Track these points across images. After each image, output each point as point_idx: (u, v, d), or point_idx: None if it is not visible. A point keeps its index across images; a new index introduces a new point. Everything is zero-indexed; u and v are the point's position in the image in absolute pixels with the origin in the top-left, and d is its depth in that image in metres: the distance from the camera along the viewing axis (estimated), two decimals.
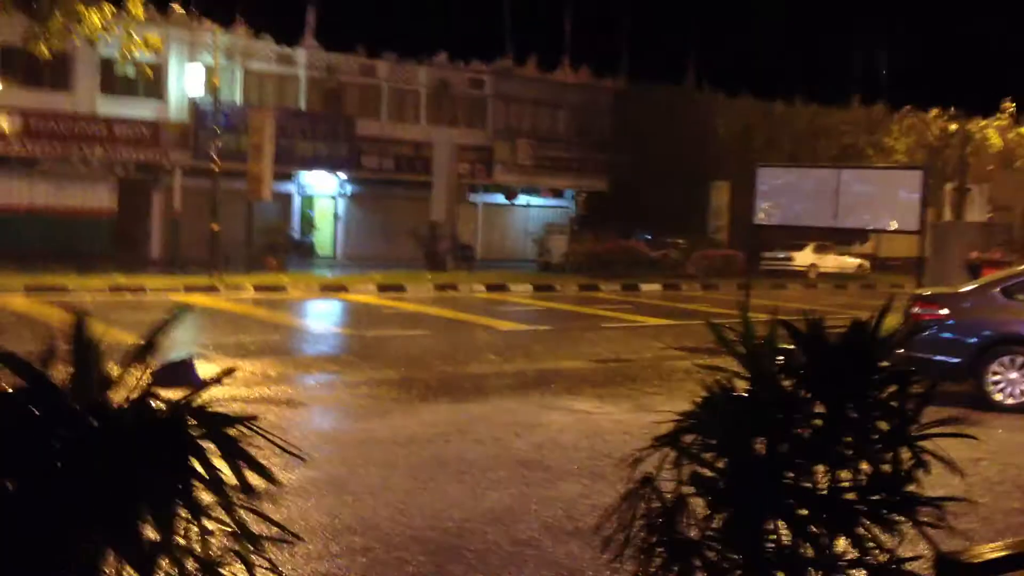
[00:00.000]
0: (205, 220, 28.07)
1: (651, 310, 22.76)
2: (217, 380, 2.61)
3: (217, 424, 2.40)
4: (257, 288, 23.84)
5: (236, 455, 2.40)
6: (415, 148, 37.49)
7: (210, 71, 29.02)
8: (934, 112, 25.00)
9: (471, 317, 19.93)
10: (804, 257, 36.87)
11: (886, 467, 3.26)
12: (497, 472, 7.87)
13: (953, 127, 28.88)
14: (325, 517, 6.53)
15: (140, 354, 2.49)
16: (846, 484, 3.28)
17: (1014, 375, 10.93)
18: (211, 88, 28.47)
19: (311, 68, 36.15)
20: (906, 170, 17.21)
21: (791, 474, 3.27)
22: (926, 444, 3.29)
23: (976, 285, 12.36)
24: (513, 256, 40.65)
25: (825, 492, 3.28)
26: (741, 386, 3.49)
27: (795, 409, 3.35)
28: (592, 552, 6.10)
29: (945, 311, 11.32)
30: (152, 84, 30.20)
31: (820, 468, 3.32)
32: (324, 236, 38.24)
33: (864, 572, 3.18)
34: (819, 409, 3.37)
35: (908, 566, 3.17)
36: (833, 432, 3.31)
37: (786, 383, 3.41)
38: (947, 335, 10.96)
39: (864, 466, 3.30)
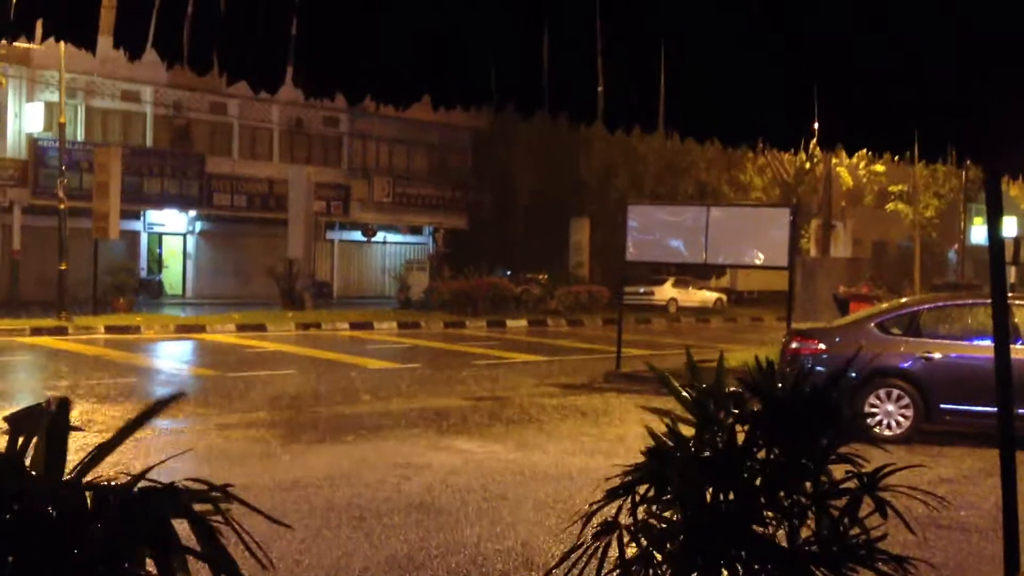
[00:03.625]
0: (45, 260, 26.57)
1: (520, 346, 22.72)
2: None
3: (188, 501, 2.14)
4: (109, 329, 22.72)
5: (210, 541, 2.15)
6: (269, 185, 36.77)
7: (52, 108, 27.86)
8: (786, 155, 26.07)
9: (338, 356, 19.45)
10: (664, 291, 37.46)
11: (844, 518, 3.18)
12: (392, 517, 7.57)
13: (808, 165, 30.14)
14: None
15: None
16: (805, 534, 3.19)
17: (891, 407, 11.21)
18: (56, 125, 27.17)
19: (158, 105, 35.13)
20: (775, 207, 17.70)
21: (746, 525, 3.16)
22: (884, 495, 3.23)
23: (852, 319, 12.67)
24: (371, 293, 40.18)
25: (783, 543, 3.18)
26: (687, 432, 3.37)
27: (748, 457, 3.25)
28: None
29: (823, 345, 11.54)
30: None
31: (777, 518, 3.22)
32: (174, 275, 37.01)
33: None
34: (772, 457, 3.27)
35: None
36: (788, 481, 3.22)
37: (738, 429, 3.31)
38: (824, 369, 11.08)
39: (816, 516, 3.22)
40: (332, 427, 11.61)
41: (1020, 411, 3.46)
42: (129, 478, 2.37)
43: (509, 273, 36.42)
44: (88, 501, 2.16)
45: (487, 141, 40.83)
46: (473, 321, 28.79)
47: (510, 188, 40.40)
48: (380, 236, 41.50)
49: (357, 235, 41.06)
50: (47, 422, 2.16)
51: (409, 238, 42.41)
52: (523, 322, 29.71)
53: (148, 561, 2.24)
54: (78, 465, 2.24)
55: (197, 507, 2.40)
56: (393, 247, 42.01)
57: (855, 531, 3.15)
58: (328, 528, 7.23)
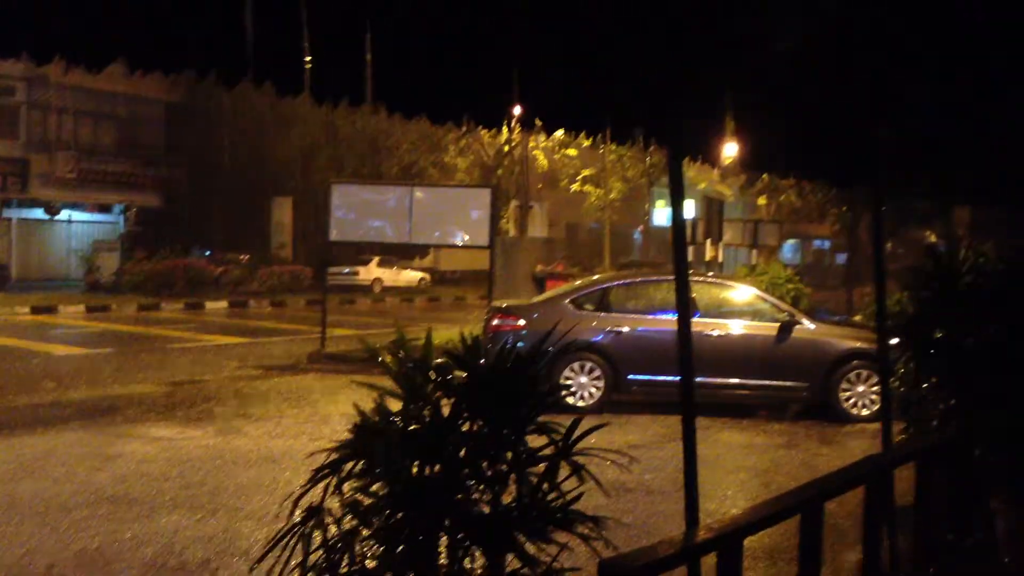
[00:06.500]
0: None
1: (220, 328, 21.97)
2: None
3: None
4: None
5: None
6: None
7: None
8: (486, 133, 26.78)
9: (18, 342, 18.02)
10: (369, 272, 37.36)
11: (544, 484, 3.30)
12: (81, 511, 7.13)
13: (507, 148, 31.12)
14: None
15: None
16: (508, 501, 3.28)
17: (584, 379, 11.82)
18: None
19: None
20: (476, 188, 18.10)
21: (451, 495, 3.22)
22: (580, 459, 3.38)
23: (549, 296, 13.21)
24: (55, 276, 37.48)
25: (486, 511, 3.26)
26: (396, 406, 3.38)
27: (451, 429, 3.31)
28: None
29: (522, 322, 11.98)
30: None
31: (482, 487, 3.30)
32: None
33: None
34: (476, 428, 3.34)
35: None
36: (490, 451, 3.30)
37: (444, 402, 3.35)
38: (524, 344, 11.46)
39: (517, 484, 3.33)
40: (11, 419, 10.75)
41: (699, 379, 3.73)
42: None
43: (209, 253, 35.12)
44: None
45: (182, 116, 39.02)
46: (169, 303, 27.55)
47: (207, 165, 38.85)
48: (65, 214, 38.75)
49: (39, 213, 38.13)
50: None
51: (98, 216, 39.84)
52: (223, 304, 28.73)
53: None
54: None
55: None
56: (80, 226, 39.34)
57: (554, 495, 3.27)
58: (10, 524, 6.72)
